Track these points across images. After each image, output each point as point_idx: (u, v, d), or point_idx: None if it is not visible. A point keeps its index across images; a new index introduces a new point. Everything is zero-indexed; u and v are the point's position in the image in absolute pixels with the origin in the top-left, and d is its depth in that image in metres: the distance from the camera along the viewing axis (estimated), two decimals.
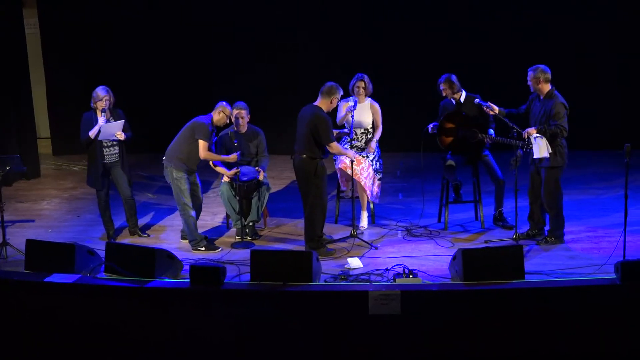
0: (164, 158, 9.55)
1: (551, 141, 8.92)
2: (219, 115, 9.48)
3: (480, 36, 13.37)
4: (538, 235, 9.41)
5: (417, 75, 13.35)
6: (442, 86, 9.80)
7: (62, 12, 14.18)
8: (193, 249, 9.42)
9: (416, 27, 13.56)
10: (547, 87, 9.05)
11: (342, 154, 9.50)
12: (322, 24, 13.77)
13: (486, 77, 12.65)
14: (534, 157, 9.01)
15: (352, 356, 7.48)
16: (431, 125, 9.74)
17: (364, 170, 9.73)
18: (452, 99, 9.84)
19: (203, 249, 9.41)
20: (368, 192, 9.83)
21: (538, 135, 8.91)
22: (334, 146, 9.18)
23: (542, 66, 9.07)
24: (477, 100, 9.65)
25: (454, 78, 9.78)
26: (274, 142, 11.00)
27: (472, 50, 13.23)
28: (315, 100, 9.19)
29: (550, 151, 8.93)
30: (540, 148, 8.92)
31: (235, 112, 9.69)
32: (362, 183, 9.73)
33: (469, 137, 9.65)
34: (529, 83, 9.13)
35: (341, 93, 9.20)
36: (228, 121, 9.60)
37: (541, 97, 9.12)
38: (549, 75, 9.04)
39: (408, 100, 13.18)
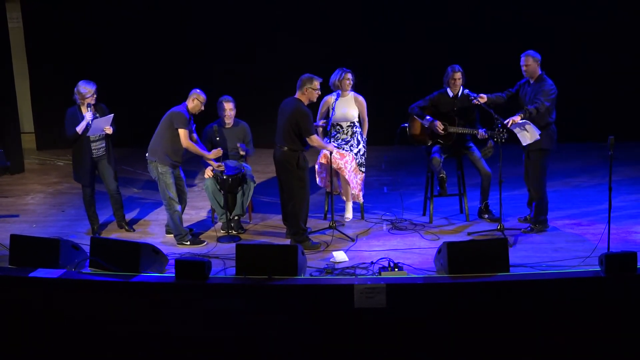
0: (147, 154, 9.53)
1: (540, 120, 9.09)
2: (193, 102, 9.39)
3: (480, 36, 13.39)
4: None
5: (407, 69, 13.41)
6: (457, 75, 9.75)
7: (45, 6, 14.13)
8: (178, 244, 9.41)
9: (415, 26, 13.59)
10: (538, 71, 9.27)
11: (322, 147, 9.48)
12: (320, 23, 13.77)
13: (486, 77, 12.69)
14: (524, 144, 9.15)
15: (338, 349, 7.50)
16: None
17: (347, 162, 9.75)
18: (450, 91, 9.83)
19: (188, 243, 9.40)
20: (352, 184, 9.85)
21: (522, 121, 9.03)
22: (314, 139, 9.15)
23: (533, 51, 9.33)
24: (466, 91, 9.68)
25: None
26: (259, 136, 10.99)
27: (472, 50, 13.25)
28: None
29: (540, 132, 9.05)
30: (530, 134, 9.06)
31: (223, 105, 9.71)
32: (346, 176, 9.75)
33: (436, 130, 9.73)
34: (524, 68, 9.30)
35: (318, 81, 9.17)
36: (203, 108, 9.46)
37: (531, 82, 9.31)
38: (540, 59, 9.31)
39: (395, 94, 13.18)
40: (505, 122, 9.09)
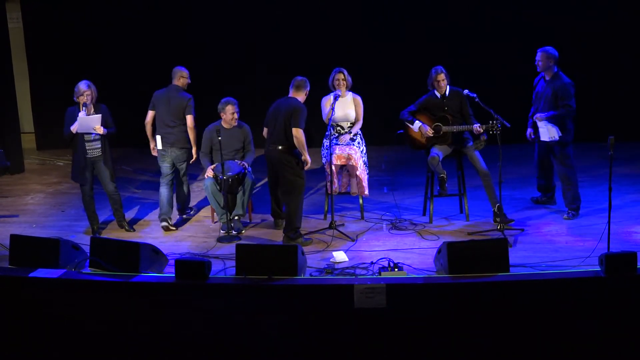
0: (165, 144, 9.93)
1: (562, 121, 9.53)
2: (179, 80, 9.99)
3: (480, 36, 13.39)
4: (550, 201, 10.10)
5: (406, 70, 13.42)
6: (441, 76, 9.76)
7: (45, 6, 14.13)
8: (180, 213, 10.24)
9: (415, 26, 13.59)
10: (553, 69, 9.62)
11: (300, 145, 9.22)
12: (320, 23, 13.77)
13: (486, 77, 12.70)
14: (542, 139, 9.62)
15: (338, 349, 7.49)
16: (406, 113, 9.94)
17: (359, 159, 9.88)
18: (437, 93, 9.85)
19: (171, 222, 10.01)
20: (363, 182, 9.90)
21: (546, 122, 9.51)
22: (300, 133, 9.13)
23: (551, 48, 9.67)
24: (465, 91, 9.68)
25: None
26: (259, 136, 10.99)
27: (472, 50, 13.25)
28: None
29: (560, 134, 9.51)
30: (550, 133, 9.53)
31: (229, 108, 9.78)
32: (359, 172, 9.88)
33: (426, 135, 9.77)
34: (539, 63, 9.65)
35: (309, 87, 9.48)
36: (189, 80, 10.09)
37: (547, 78, 9.67)
38: (557, 57, 9.65)
39: (395, 94, 13.18)
40: (535, 117, 9.57)
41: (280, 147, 9.22)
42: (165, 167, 10.04)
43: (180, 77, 9.98)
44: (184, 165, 10.10)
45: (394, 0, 13.63)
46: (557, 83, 9.59)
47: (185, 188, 10.27)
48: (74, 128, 9.42)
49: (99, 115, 9.47)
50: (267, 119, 9.57)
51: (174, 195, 10.18)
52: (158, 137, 9.98)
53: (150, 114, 10.07)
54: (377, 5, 13.67)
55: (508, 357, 7.43)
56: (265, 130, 9.74)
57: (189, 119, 9.85)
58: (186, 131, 9.91)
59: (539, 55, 9.67)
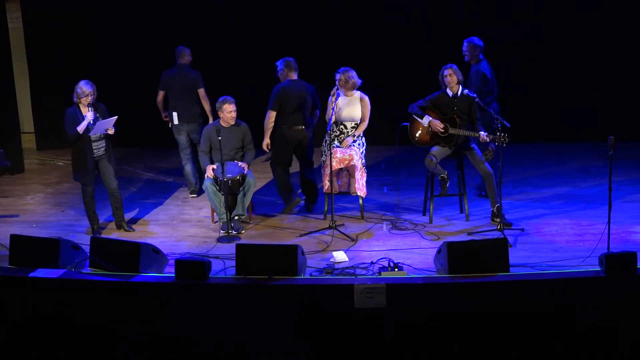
0: (181, 119, 10.87)
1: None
2: (185, 58, 11.09)
3: (480, 36, 13.37)
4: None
5: (407, 69, 13.41)
6: (449, 71, 9.68)
7: (45, 6, 14.12)
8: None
9: (415, 26, 13.59)
10: (476, 57, 10.27)
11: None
12: (320, 23, 13.76)
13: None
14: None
15: (338, 349, 7.50)
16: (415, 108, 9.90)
17: (358, 160, 9.87)
18: (449, 91, 9.79)
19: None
20: (358, 184, 9.90)
21: None
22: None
23: (476, 38, 10.24)
24: (465, 91, 9.67)
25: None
26: (259, 136, 11.01)
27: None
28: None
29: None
30: None
31: (227, 107, 9.77)
32: (357, 174, 9.87)
33: (435, 129, 9.73)
34: (466, 53, 10.26)
35: None
36: (191, 58, 11.14)
37: (472, 65, 10.27)
38: (482, 47, 10.29)
39: (395, 94, 13.17)
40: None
41: (309, 127, 10.11)
42: (182, 139, 11.06)
43: (186, 55, 11.09)
44: (199, 137, 10.74)
45: (394, 0, 13.62)
46: (472, 70, 10.25)
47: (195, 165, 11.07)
48: (81, 129, 9.36)
49: (114, 118, 9.47)
50: (281, 100, 10.05)
51: (195, 170, 11.09)
52: (174, 114, 10.96)
53: (161, 93, 11.15)
54: (377, 5, 13.66)
55: (508, 357, 7.44)
56: (271, 113, 10.09)
57: (201, 92, 10.97)
58: (198, 105, 10.96)
59: (465, 46, 10.22)
